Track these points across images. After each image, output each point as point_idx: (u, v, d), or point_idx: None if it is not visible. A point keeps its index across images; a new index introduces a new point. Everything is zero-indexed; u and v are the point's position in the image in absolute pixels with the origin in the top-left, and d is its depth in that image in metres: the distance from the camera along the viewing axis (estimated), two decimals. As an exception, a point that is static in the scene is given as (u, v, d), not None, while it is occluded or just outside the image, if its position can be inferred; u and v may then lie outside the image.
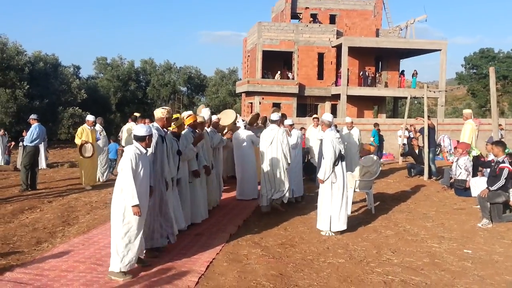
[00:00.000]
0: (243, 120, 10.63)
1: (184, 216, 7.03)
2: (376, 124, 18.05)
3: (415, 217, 8.52)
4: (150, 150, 5.61)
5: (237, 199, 10.01)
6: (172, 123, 6.57)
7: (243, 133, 10.06)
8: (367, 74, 32.34)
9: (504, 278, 5.39)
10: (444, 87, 31.90)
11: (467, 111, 12.66)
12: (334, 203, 7.14)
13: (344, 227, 7.23)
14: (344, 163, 7.28)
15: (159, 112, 6.11)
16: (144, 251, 5.68)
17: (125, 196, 5.13)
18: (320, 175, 7.19)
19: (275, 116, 8.87)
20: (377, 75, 33.50)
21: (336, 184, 7.14)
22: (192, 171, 7.39)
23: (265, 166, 8.59)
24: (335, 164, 7.10)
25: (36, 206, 9.11)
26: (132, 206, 5.11)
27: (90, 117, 11.84)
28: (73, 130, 31.03)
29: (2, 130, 19.14)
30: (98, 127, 12.76)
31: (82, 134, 11.34)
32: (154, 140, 5.73)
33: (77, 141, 11.35)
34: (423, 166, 12.78)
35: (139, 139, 5.36)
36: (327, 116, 7.48)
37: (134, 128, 5.77)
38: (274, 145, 8.53)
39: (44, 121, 29.27)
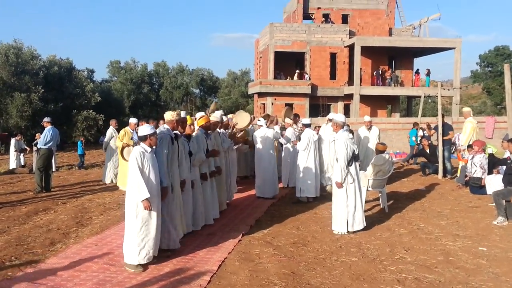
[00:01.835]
0: (264, 119, 10.61)
1: (195, 218, 7.04)
2: (415, 124, 17.87)
3: (429, 215, 8.42)
4: (163, 148, 5.66)
5: (257, 196, 10.06)
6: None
7: (264, 132, 10.05)
8: (380, 72, 32.14)
9: (520, 276, 5.30)
10: (458, 85, 31.56)
11: (466, 110, 12.53)
12: (350, 204, 7.07)
13: (362, 226, 7.19)
14: (357, 163, 7.24)
15: (169, 115, 6.17)
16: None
17: (134, 192, 5.28)
18: (337, 178, 7.10)
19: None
20: (392, 74, 33.15)
21: (352, 185, 7.08)
22: (201, 174, 7.33)
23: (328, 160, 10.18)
24: (349, 165, 7.04)
25: (50, 208, 9.19)
26: (142, 201, 5.26)
27: (132, 120, 11.65)
28: (87, 133, 31.42)
29: (19, 136, 19.30)
30: (111, 129, 12.87)
31: (124, 136, 11.32)
32: (165, 141, 5.80)
33: (118, 143, 11.27)
34: (437, 164, 12.65)
35: (142, 138, 5.47)
36: (339, 117, 7.41)
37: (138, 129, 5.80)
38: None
39: (59, 124, 29.64)
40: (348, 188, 7.08)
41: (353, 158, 7.12)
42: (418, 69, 34.32)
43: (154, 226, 5.43)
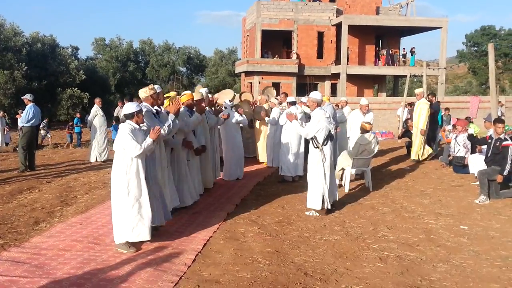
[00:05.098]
0: (230, 101, 10.55)
1: (182, 194, 7.03)
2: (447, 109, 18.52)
3: (412, 194, 8.53)
4: (144, 126, 5.55)
5: (223, 179, 9.89)
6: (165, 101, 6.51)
7: (231, 114, 9.96)
8: (390, 52, 32.28)
9: (500, 253, 5.41)
10: (444, 65, 31.73)
11: (419, 90, 12.30)
12: (328, 181, 7.02)
13: (331, 201, 7.19)
14: (331, 142, 7.16)
15: (143, 92, 5.99)
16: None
17: (133, 153, 5.20)
18: (297, 128, 7.25)
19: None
20: (395, 54, 33.31)
21: (327, 163, 7.01)
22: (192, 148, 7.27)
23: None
24: (323, 144, 6.96)
25: (35, 187, 9.13)
26: (151, 142, 5.25)
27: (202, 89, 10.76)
28: (72, 111, 31.12)
29: (1, 112, 19.13)
30: (95, 107, 12.71)
31: None
32: (147, 117, 5.70)
33: None
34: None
35: (129, 116, 5.37)
36: (316, 95, 7.26)
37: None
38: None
39: (43, 102, 29.35)
40: (324, 166, 6.99)
41: (328, 137, 7.02)
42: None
43: (147, 203, 5.35)
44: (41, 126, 21.10)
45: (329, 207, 7.12)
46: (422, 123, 11.59)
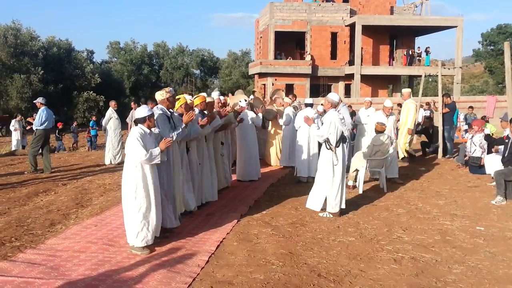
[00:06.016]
0: (245, 100, 10.51)
1: (194, 197, 7.03)
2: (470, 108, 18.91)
3: (427, 195, 8.45)
4: (155, 130, 5.57)
5: (237, 180, 9.87)
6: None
7: (245, 114, 9.95)
8: (410, 52, 32.18)
9: (517, 255, 5.33)
10: (460, 64, 31.37)
11: (406, 91, 12.41)
12: (334, 184, 6.89)
13: (343, 206, 7.06)
14: (345, 145, 7.04)
15: (159, 95, 6.03)
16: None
17: (139, 159, 5.22)
18: (315, 131, 7.10)
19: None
20: (415, 54, 33.21)
21: (338, 166, 6.89)
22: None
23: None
24: (336, 146, 6.86)
25: (51, 189, 9.23)
26: (159, 153, 5.26)
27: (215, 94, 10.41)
28: (89, 114, 31.42)
29: (19, 116, 19.40)
30: (110, 110, 12.81)
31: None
32: (161, 121, 5.74)
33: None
34: (437, 144, 12.62)
35: (140, 121, 5.39)
36: (333, 96, 7.22)
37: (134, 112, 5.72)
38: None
39: (59, 106, 29.70)
40: (334, 169, 6.88)
41: (341, 139, 6.91)
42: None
43: (154, 208, 5.38)
44: (71, 129, 21.97)
45: (335, 211, 7.00)
46: (410, 123, 11.62)
